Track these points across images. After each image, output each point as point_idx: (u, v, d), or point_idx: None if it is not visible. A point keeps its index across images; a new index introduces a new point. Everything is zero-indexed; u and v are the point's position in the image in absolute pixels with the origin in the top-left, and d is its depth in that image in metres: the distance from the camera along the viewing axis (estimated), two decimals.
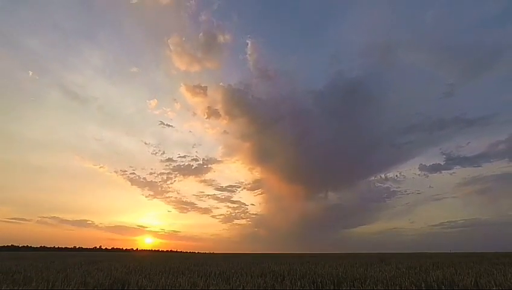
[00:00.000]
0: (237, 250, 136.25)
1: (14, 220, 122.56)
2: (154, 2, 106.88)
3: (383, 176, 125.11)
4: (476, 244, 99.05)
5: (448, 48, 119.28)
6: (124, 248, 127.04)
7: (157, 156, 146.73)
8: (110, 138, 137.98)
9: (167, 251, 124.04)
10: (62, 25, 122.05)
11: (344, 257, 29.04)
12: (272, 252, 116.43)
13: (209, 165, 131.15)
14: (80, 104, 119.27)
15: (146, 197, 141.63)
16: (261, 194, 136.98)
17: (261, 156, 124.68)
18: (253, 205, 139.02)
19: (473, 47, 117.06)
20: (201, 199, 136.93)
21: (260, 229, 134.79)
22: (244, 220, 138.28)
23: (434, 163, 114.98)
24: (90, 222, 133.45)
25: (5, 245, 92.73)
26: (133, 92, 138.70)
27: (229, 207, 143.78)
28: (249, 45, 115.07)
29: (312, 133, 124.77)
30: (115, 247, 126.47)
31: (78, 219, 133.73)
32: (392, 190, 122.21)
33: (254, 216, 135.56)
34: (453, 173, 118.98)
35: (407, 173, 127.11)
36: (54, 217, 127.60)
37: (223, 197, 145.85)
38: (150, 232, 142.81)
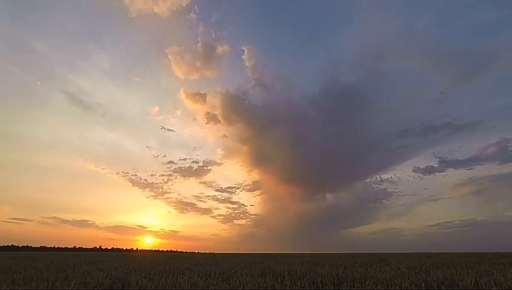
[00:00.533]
0: (237, 250, 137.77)
1: (15, 220, 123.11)
2: (154, 15, 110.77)
3: (378, 177, 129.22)
4: (473, 244, 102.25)
5: (439, 55, 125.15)
6: (124, 248, 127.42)
7: (158, 159, 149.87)
8: (113, 140, 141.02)
9: (167, 251, 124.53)
10: (69, 29, 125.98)
11: (343, 256, 29.05)
12: (271, 252, 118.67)
13: (209, 167, 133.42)
14: (84, 108, 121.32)
15: (147, 198, 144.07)
16: (260, 195, 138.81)
17: (259, 159, 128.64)
18: (252, 205, 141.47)
19: (463, 55, 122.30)
20: (201, 199, 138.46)
21: (259, 229, 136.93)
22: (244, 220, 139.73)
23: (428, 165, 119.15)
24: (91, 222, 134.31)
25: (5, 245, 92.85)
26: (136, 99, 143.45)
27: (228, 208, 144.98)
28: (246, 52, 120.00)
29: (308, 137, 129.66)
30: (115, 247, 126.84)
31: (79, 219, 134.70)
32: (388, 191, 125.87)
33: (253, 217, 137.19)
34: (446, 175, 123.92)
35: (402, 175, 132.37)
36: (55, 217, 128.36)
37: (223, 198, 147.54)
38: (150, 232, 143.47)
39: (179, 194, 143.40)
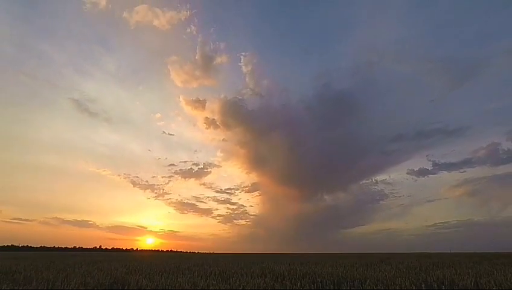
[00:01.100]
0: (236, 250, 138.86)
1: (17, 221, 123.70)
2: (154, 27, 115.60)
3: (374, 179, 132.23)
4: (470, 244, 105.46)
5: (431, 62, 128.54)
6: (124, 248, 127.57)
7: (159, 161, 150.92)
8: (115, 143, 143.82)
9: (167, 251, 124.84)
10: (76, 34, 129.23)
11: (342, 256, 29.05)
12: (270, 252, 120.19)
13: (209, 169, 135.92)
14: (88, 113, 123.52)
15: (147, 198, 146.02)
16: (259, 196, 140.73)
17: (257, 161, 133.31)
18: (251, 206, 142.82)
19: (454, 62, 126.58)
20: (201, 200, 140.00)
21: (259, 229, 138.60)
22: (243, 220, 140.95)
23: (422, 168, 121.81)
24: (91, 223, 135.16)
25: (5, 245, 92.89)
26: (139, 105, 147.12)
27: (228, 208, 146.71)
28: (244, 60, 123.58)
29: (305, 140, 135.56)
30: (115, 247, 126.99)
31: (80, 220, 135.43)
32: (384, 192, 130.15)
33: (253, 217, 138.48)
34: (441, 177, 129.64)
35: (397, 177, 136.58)
36: (55, 218, 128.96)
37: (222, 199, 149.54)
38: (151, 232, 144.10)
39: (179, 195, 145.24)
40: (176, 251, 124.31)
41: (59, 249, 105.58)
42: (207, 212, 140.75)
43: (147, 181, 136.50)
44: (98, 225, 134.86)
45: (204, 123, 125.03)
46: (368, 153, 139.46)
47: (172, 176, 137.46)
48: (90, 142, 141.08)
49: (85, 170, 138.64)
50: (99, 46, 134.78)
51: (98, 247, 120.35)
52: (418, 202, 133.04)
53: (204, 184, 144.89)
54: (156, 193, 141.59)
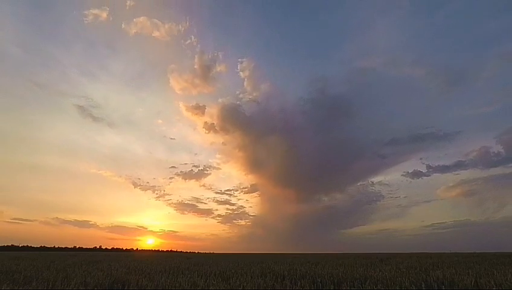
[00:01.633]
0: (236, 250, 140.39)
1: (18, 221, 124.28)
2: (154, 38, 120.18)
3: (370, 181, 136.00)
4: (467, 244, 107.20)
5: (424, 67, 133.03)
6: (124, 248, 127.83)
7: (161, 163, 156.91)
8: (117, 146, 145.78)
9: (167, 250, 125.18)
10: (83, 38, 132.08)
11: (340, 256, 29.06)
12: (270, 252, 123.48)
13: (209, 171, 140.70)
14: (92, 116, 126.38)
15: (148, 199, 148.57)
16: (258, 196, 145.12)
17: (256, 164, 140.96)
18: (250, 207, 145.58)
19: (446, 67, 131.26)
20: (201, 201, 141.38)
21: (258, 229, 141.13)
22: (243, 221, 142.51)
23: (416, 170, 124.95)
24: (92, 223, 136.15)
25: (5, 245, 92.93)
26: (141, 110, 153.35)
27: (227, 209, 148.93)
28: (242, 66, 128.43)
29: (302, 144, 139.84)
30: (115, 247, 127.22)
31: (81, 220, 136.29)
32: (381, 193, 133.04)
33: (252, 217, 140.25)
34: (435, 179, 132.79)
35: (393, 179, 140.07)
36: (56, 218, 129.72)
37: (222, 199, 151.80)
38: (151, 232, 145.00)
39: (179, 195, 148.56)
40: (176, 251, 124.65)
41: (59, 249, 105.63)
42: (207, 212, 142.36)
43: (147, 182, 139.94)
44: (98, 225, 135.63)
45: (204, 128, 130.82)
46: (364, 156, 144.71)
47: (173, 178, 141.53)
48: (93, 145, 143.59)
49: (87, 171, 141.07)
50: (102, 55, 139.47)
51: (98, 247, 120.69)
52: (414, 202, 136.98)
53: (204, 185, 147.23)
54: (156, 193, 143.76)
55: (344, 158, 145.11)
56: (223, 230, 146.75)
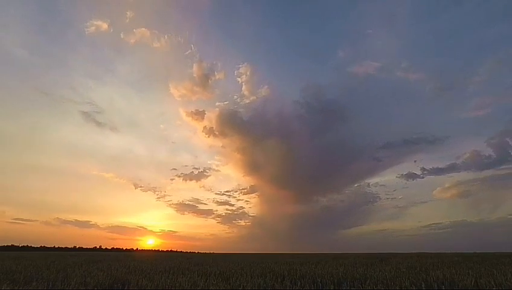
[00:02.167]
0: (236, 250, 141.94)
1: (20, 221, 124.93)
2: (154, 48, 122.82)
3: (367, 182, 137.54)
4: (466, 244, 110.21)
5: (417, 73, 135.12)
6: (124, 248, 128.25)
7: (161, 165, 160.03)
8: (120, 148, 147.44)
9: (167, 250, 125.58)
10: (88, 41, 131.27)
11: (339, 257, 29.06)
12: (269, 252, 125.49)
13: (208, 173, 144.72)
14: (95, 121, 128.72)
15: (149, 200, 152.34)
16: (256, 197, 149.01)
17: (254, 166, 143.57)
18: (250, 207, 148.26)
19: (438, 72, 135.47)
20: (201, 202, 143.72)
21: (257, 229, 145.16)
22: (242, 221, 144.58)
23: (411, 172, 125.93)
24: (93, 223, 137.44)
25: (5, 245, 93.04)
26: (143, 115, 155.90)
27: (227, 210, 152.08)
28: (240, 72, 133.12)
29: (298, 147, 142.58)
30: (115, 247, 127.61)
31: (81, 220, 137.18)
32: (377, 195, 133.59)
33: (251, 217, 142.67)
34: (431, 180, 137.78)
35: (388, 181, 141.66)
36: (57, 218, 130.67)
37: (222, 200, 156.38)
38: (151, 232, 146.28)
39: (180, 196, 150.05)
40: (176, 251, 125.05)
41: (59, 249, 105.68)
42: (207, 213, 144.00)
43: (148, 183, 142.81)
44: (99, 225, 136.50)
45: (203, 132, 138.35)
46: (360, 159, 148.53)
47: (174, 179, 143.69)
48: (95, 147, 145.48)
49: (89, 173, 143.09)
50: (105, 61, 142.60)
51: (98, 247, 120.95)
52: (411, 203, 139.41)
53: (204, 187, 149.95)
54: (157, 194, 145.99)
55: (340, 161, 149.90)
56: (223, 230, 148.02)
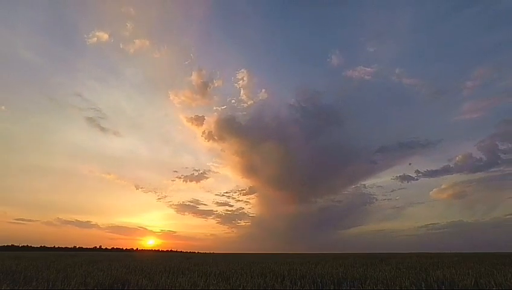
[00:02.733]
0: (236, 250, 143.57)
1: (21, 221, 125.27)
2: (153, 58, 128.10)
3: (363, 184, 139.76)
4: (464, 244, 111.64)
5: (412, 78, 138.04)
6: (124, 248, 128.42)
7: (162, 167, 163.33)
8: (121, 150, 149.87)
9: (167, 250, 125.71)
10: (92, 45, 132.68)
11: (338, 257, 29.06)
12: (268, 252, 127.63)
13: (208, 175, 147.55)
14: (99, 126, 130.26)
15: (149, 200, 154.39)
16: (255, 198, 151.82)
17: (253, 169, 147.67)
18: (249, 208, 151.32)
19: (433, 78, 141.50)
20: (201, 202, 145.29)
21: (257, 230, 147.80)
22: (242, 221, 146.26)
23: (406, 174, 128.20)
24: (93, 223, 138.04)
25: (5, 245, 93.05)
26: (144, 120, 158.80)
27: (227, 210, 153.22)
28: (238, 78, 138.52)
29: (295, 150, 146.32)
30: (116, 247, 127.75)
31: (82, 220, 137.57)
32: (374, 196, 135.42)
33: (251, 217, 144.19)
34: (427, 181, 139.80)
35: (384, 182, 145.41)
36: (58, 219, 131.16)
37: (221, 201, 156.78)
38: (151, 232, 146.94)
39: (180, 197, 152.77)
40: (176, 251, 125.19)
41: (59, 249, 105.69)
42: (207, 213, 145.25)
43: (149, 184, 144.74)
44: (99, 226, 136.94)
45: (203, 136, 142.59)
46: (356, 161, 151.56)
47: (174, 180, 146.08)
48: (98, 149, 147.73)
49: (91, 174, 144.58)
50: (107, 72, 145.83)
51: (98, 247, 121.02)
52: (408, 204, 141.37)
53: (204, 188, 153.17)
54: (158, 195, 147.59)
55: (336, 163, 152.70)
56: (223, 230, 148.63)
